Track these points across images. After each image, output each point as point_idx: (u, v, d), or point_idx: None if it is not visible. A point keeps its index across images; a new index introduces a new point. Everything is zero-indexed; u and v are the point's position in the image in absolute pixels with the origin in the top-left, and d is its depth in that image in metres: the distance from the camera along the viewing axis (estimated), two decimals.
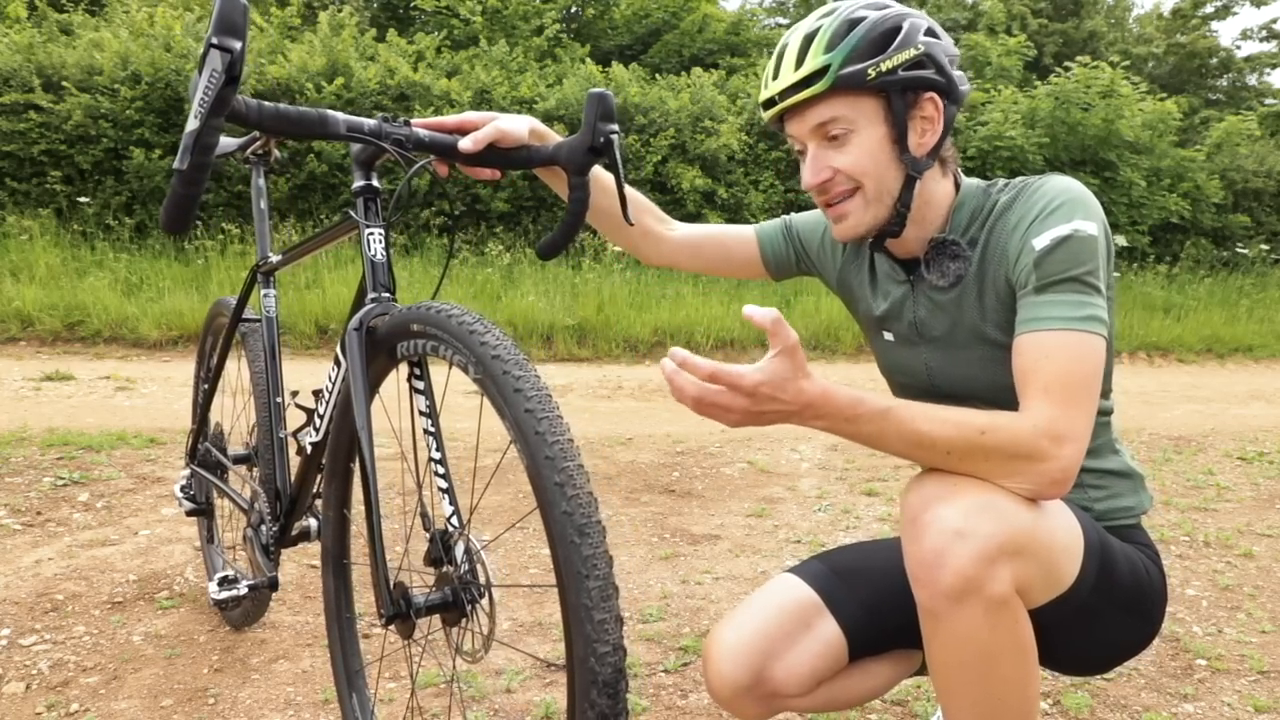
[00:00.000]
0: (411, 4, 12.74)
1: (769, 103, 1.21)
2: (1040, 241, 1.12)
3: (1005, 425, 1.06)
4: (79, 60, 8.37)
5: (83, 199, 8.08)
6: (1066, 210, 1.12)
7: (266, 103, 1.14)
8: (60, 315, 6.47)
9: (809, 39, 1.16)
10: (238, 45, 1.01)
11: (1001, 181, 1.26)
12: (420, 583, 1.21)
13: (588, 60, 11.05)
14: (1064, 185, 1.15)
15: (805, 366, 1.02)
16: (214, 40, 1.01)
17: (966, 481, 1.06)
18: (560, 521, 0.97)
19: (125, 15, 9.60)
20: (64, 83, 8.13)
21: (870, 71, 1.13)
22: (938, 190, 1.25)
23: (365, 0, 13.65)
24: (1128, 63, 11.78)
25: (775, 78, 1.19)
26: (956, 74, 1.19)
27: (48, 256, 7.21)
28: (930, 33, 1.17)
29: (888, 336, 1.37)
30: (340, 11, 11.32)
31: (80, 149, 8.12)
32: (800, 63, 1.15)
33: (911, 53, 1.14)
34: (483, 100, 9.40)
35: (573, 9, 14.18)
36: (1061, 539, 1.11)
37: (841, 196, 1.21)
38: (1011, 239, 1.17)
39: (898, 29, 1.15)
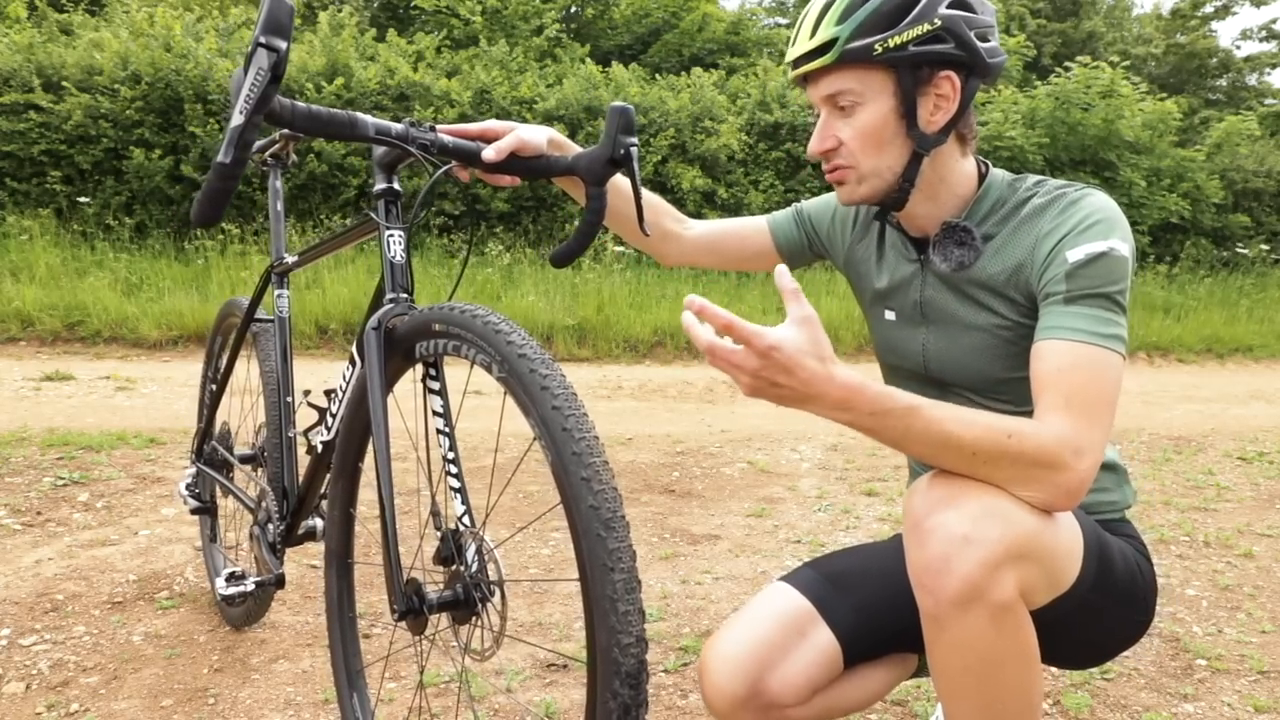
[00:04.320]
0: (411, 4, 12.74)
1: (794, 64, 1.22)
2: (1075, 254, 1.11)
3: (1031, 432, 1.04)
4: (79, 60, 8.36)
5: (83, 199, 8.08)
6: (1104, 228, 1.12)
7: (299, 103, 1.16)
8: (60, 315, 6.47)
9: (827, 7, 1.16)
10: (284, 45, 1.04)
11: (1031, 179, 1.25)
12: (429, 582, 1.23)
13: (588, 60, 11.05)
14: (1103, 203, 1.15)
15: (827, 349, 0.98)
16: (262, 39, 1.03)
17: (971, 485, 1.05)
18: (586, 515, 0.98)
19: (125, 15, 9.60)
20: (64, 83, 8.12)
21: (877, 47, 1.12)
22: (955, 169, 1.24)
23: (365, 0, 13.66)
24: (1127, 63, 11.77)
25: (794, 43, 1.20)
26: (986, 46, 1.15)
27: (48, 256, 7.21)
28: (957, 4, 1.13)
29: (889, 315, 1.37)
30: (340, 11, 11.33)
31: (80, 149, 8.11)
32: (815, 31, 1.16)
33: (926, 27, 1.11)
34: (482, 100, 9.40)
35: (573, 9, 14.18)
36: (1064, 541, 1.11)
37: (839, 168, 1.22)
38: (1040, 245, 1.16)
39: (915, 1, 1.12)
